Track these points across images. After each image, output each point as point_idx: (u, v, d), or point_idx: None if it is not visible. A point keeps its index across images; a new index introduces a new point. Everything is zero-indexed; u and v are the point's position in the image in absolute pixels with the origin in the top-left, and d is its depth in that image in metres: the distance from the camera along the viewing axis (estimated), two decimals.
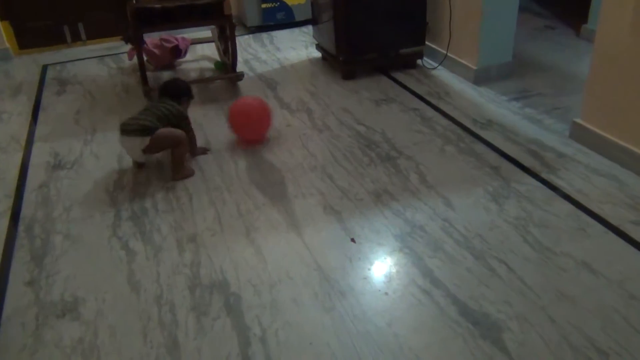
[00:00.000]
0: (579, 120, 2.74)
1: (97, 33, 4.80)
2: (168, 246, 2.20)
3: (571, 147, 2.72)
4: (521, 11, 3.68)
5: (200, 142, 2.97)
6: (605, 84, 2.57)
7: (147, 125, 2.54)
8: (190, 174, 2.69)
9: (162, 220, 2.36)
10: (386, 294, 1.91)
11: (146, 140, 2.54)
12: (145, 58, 3.80)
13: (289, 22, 4.87)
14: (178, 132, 2.66)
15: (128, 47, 4.07)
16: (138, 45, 3.49)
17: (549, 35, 4.37)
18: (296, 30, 4.84)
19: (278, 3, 4.76)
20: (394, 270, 2.02)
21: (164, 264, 2.11)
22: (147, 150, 2.59)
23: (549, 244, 2.09)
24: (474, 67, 3.49)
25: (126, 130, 2.55)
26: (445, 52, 3.71)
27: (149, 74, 3.80)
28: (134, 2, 3.40)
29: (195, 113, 3.31)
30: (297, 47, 4.44)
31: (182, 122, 2.71)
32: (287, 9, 4.81)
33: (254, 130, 2.96)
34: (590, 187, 2.41)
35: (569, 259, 2.01)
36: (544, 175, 2.52)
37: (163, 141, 2.60)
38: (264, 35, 4.78)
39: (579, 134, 2.74)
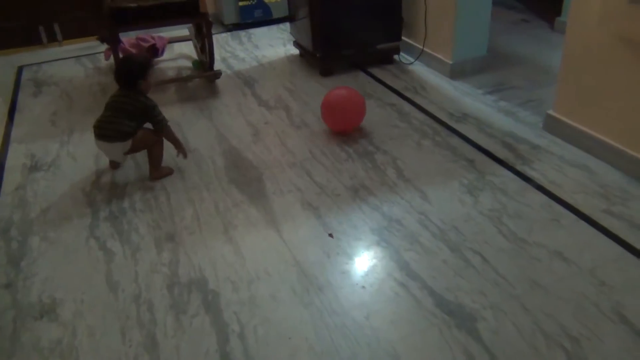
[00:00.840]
0: (552, 112, 2.79)
1: (73, 33, 4.76)
2: (146, 246, 2.20)
3: (545, 139, 2.77)
4: (496, 5, 3.72)
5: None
6: (576, 76, 2.61)
7: (126, 130, 2.49)
8: (169, 172, 2.68)
9: (140, 220, 2.36)
10: (364, 287, 1.93)
11: (128, 145, 2.52)
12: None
13: (267, 19, 4.87)
14: (152, 136, 2.60)
15: (105, 46, 4.05)
16: (114, 44, 3.46)
17: (523, 28, 4.43)
18: (274, 28, 4.84)
19: (255, 1, 4.75)
20: (371, 264, 2.05)
21: (142, 263, 2.11)
22: (128, 152, 2.58)
23: (522, 235, 2.13)
24: (450, 62, 3.52)
25: (105, 135, 2.50)
26: (421, 47, 3.74)
27: None
28: (110, 1, 3.38)
29: (174, 112, 3.32)
30: (274, 44, 4.44)
31: (149, 114, 2.53)
32: (265, 7, 4.81)
33: (348, 122, 2.94)
34: (563, 178, 2.46)
35: (542, 249, 2.05)
36: (518, 167, 2.56)
37: (142, 142, 2.58)
38: (242, 33, 4.77)
39: (552, 126, 2.79)
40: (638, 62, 2.28)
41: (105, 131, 2.50)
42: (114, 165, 2.75)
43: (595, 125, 2.57)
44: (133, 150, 2.59)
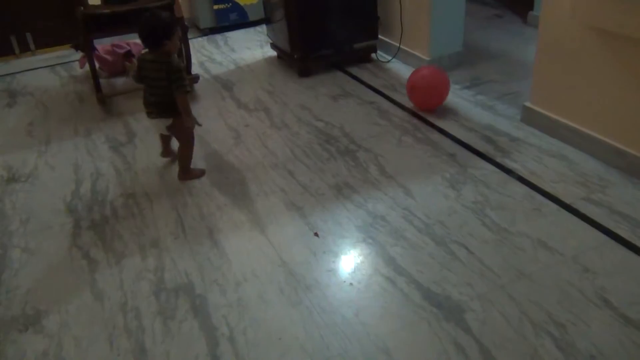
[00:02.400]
0: (528, 104, 2.83)
1: (46, 42, 4.69)
2: (130, 253, 2.17)
3: (523, 131, 2.81)
4: (470, 1, 3.77)
5: (158, 146, 2.95)
6: (550, 68, 2.65)
7: (163, 102, 2.45)
8: (200, 174, 2.65)
9: (123, 227, 2.33)
10: (351, 284, 1.94)
11: (169, 121, 2.52)
12: (97, 65, 3.75)
13: (243, 22, 4.86)
14: (191, 136, 2.61)
15: (79, 54, 4.00)
16: (89, 52, 3.43)
17: (497, 23, 4.48)
18: (251, 30, 4.83)
19: (230, 4, 4.74)
20: (358, 260, 2.05)
21: (127, 271, 2.08)
22: (169, 130, 2.57)
23: (505, 225, 2.15)
24: (427, 58, 3.55)
25: (148, 112, 2.54)
26: (398, 45, 3.77)
27: (102, 80, 3.75)
28: (82, 8, 3.35)
29: None
30: (252, 47, 4.43)
31: (172, 76, 2.39)
32: (240, 10, 4.80)
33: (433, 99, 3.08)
34: (542, 168, 2.49)
35: (526, 238, 2.08)
36: (498, 159, 2.59)
37: (179, 132, 2.57)
38: (218, 36, 4.75)
39: (529, 118, 2.83)
40: (609, 51, 2.33)
41: (147, 108, 2.53)
42: (167, 150, 2.76)
43: (571, 115, 2.61)
44: (174, 132, 2.58)
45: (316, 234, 2.20)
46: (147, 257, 2.14)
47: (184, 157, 2.63)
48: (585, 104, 2.52)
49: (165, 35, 2.37)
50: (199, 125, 2.61)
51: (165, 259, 2.13)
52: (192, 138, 2.63)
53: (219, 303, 1.89)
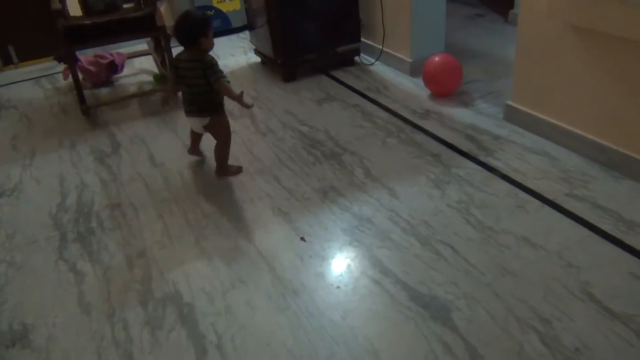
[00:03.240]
0: (510, 103, 2.86)
1: (29, 54, 4.67)
2: (117, 264, 2.17)
3: (505, 129, 2.83)
4: (451, 1, 3.80)
5: (143, 156, 2.95)
6: (530, 66, 2.68)
7: (204, 105, 2.52)
8: (237, 171, 2.69)
9: (110, 238, 2.33)
10: (338, 287, 1.95)
11: (206, 120, 2.55)
12: (81, 76, 3.74)
13: (226, 29, 4.86)
14: (228, 132, 2.64)
15: (62, 66, 3.99)
16: (72, 63, 3.42)
17: (479, 22, 4.52)
18: (234, 37, 4.83)
19: (213, 11, 4.74)
20: (344, 264, 2.06)
21: (114, 282, 2.08)
22: (206, 129, 2.60)
23: (490, 223, 2.17)
24: (409, 60, 3.58)
25: (187, 111, 2.58)
26: (380, 47, 3.79)
27: (87, 91, 3.74)
28: (64, 19, 3.34)
29: (137, 127, 3.29)
30: (235, 53, 4.44)
31: (209, 71, 2.42)
32: (223, 16, 4.80)
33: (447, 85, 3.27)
34: (525, 165, 2.51)
35: (510, 236, 2.10)
36: (481, 158, 2.61)
37: (217, 129, 2.61)
38: None
39: (511, 116, 2.86)
40: (587, 48, 2.36)
41: (187, 106, 2.57)
42: (195, 148, 2.80)
43: (552, 112, 2.64)
44: (211, 131, 2.61)
45: (303, 239, 2.21)
46: (134, 268, 2.14)
47: (221, 155, 2.66)
48: (566, 101, 2.55)
49: (201, 32, 2.40)
50: (251, 105, 2.56)
51: (152, 268, 2.12)
52: (229, 136, 2.66)
53: (206, 311, 1.90)
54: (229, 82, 2.49)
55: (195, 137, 2.80)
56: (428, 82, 3.31)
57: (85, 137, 3.24)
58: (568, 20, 2.36)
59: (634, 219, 2.10)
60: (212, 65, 2.43)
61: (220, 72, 2.45)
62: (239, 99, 2.44)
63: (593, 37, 2.30)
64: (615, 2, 2.10)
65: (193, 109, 2.55)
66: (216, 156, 2.67)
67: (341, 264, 2.06)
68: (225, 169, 2.68)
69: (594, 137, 2.46)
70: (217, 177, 2.68)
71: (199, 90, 2.48)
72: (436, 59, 3.26)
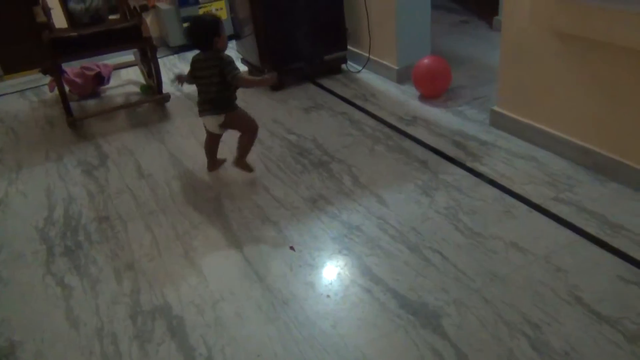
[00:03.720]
0: (496, 108, 2.88)
1: (14, 67, 4.65)
2: (105, 277, 2.15)
3: (492, 134, 2.85)
4: (436, 8, 3.83)
5: (131, 167, 2.94)
6: (514, 72, 2.71)
7: (218, 101, 2.54)
8: (250, 170, 2.71)
9: (97, 251, 2.31)
10: (328, 296, 1.94)
11: (221, 118, 2.57)
12: (67, 88, 3.72)
13: None
14: (252, 121, 2.66)
15: (48, 78, 3.97)
16: (57, 75, 3.40)
17: (464, 29, 4.56)
18: None
19: None
20: (334, 272, 2.06)
21: (103, 295, 2.06)
22: (223, 126, 2.61)
23: (478, 229, 2.18)
24: (396, 67, 3.60)
25: (202, 111, 2.60)
26: (367, 55, 3.81)
27: (73, 103, 3.74)
28: (49, 32, 3.33)
29: (125, 139, 3.28)
30: None
31: (224, 70, 2.45)
32: None
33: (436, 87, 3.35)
34: (512, 170, 2.53)
35: (498, 241, 2.11)
36: (469, 163, 2.63)
37: (238, 121, 2.63)
38: (189, 54, 4.72)
39: (497, 121, 2.88)
40: (569, 53, 2.38)
41: (200, 106, 2.59)
42: (213, 161, 2.80)
43: (537, 117, 2.66)
44: (230, 126, 2.63)
45: (292, 248, 2.20)
46: (123, 281, 2.12)
47: (246, 144, 2.68)
48: (550, 106, 2.58)
49: (214, 33, 2.46)
50: (274, 77, 2.60)
51: (141, 281, 2.11)
52: (255, 123, 2.68)
53: (196, 323, 1.88)
54: (240, 74, 2.50)
55: (212, 149, 2.79)
56: (418, 84, 3.36)
57: (72, 150, 3.23)
58: (550, 26, 2.39)
59: (619, 221, 2.12)
60: (229, 62, 2.48)
61: (237, 68, 2.49)
62: (261, 82, 2.58)
63: (576, 42, 2.33)
64: (596, 7, 2.13)
65: (208, 107, 2.58)
66: (241, 145, 2.69)
67: (331, 273, 2.06)
68: (244, 160, 2.71)
69: (578, 141, 2.48)
70: (234, 165, 2.72)
71: (215, 89, 2.51)
72: (426, 60, 3.32)
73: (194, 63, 2.55)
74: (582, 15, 2.20)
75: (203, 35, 2.47)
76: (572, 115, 2.48)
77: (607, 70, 2.26)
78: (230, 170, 2.81)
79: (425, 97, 3.36)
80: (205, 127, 2.69)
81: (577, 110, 2.45)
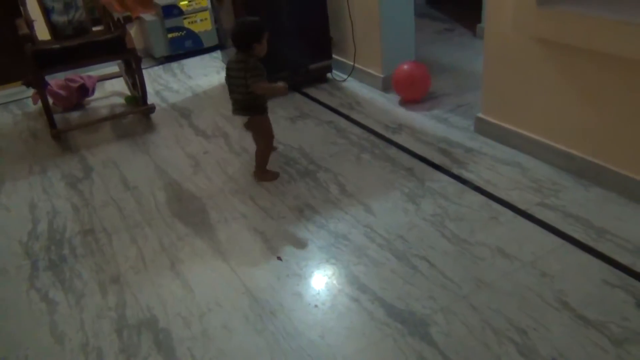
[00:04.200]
0: (480, 115, 2.90)
1: None
2: (90, 291, 2.13)
3: (477, 141, 2.87)
4: (420, 17, 3.86)
5: (116, 179, 2.92)
6: (498, 79, 2.73)
7: (246, 104, 2.59)
8: (274, 177, 2.76)
9: (82, 265, 2.29)
10: (316, 306, 1.94)
11: (245, 119, 2.66)
12: (51, 100, 3.69)
13: (198, 49, 4.86)
14: (268, 133, 2.72)
15: (31, 91, 3.93)
16: (41, 88, 3.37)
17: (448, 37, 4.59)
18: (206, 57, 4.83)
19: (184, 32, 4.73)
20: (321, 282, 2.06)
21: (88, 310, 2.04)
22: (246, 127, 2.70)
23: (464, 236, 2.19)
24: (381, 75, 3.61)
25: (233, 110, 2.66)
26: (352, 63, 3.82)
27: (57, 115, 3.71)
28: (31, 44, 3.30)
29: (110, 150, 3.26)
30: (208, 73, 4.43)
31: (248, 73, 2.49)
32: (194, 37, 4.80)
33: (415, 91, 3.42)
34: (497, 177, 2.55)
35: (485, 247, 2.12)
36: (454, 170, 2.64)
37: (256, 129, 2.70)
38: (174, 64, 4.73)
39: (482, 128, 2.90)
40: (551, 60, 2.41)
41: (232, 105, 2.65)
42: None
43: (521, 124, 2.68)
44: (252, 129, 2.70)
45: (279, 258, 2.19)
46: (108, 295, 2.10)
47: (260, 156, 2.76)
48: (534, 112, 2.60)
49: (256, 38, 2.50)
50: (286, 88, 2.61)
51: (127, 294, 2.09)
52: (270, 138, 2.74)
53: (183, 336, 1.87)
54: (260, 82, 2.52)
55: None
56: (398, 89, 3.45)
57: (56, 162, 3.19)
58: (532, 33, 2.42)
59: (604, 226, 2.14)
60: (253, 68, 2.51)
61: (259, 76, 2.51)
62: (272, 89, 2.62)
63: (557, 49, 2.36)
64: (577, 14, 2.16)
65: (237, 107, 2.64)
66: (256, 157, 2.77)
67: (318, 283, 2.05)
68: (263, 172, 2.77)
69: (562, 147, 2.50)
70: (255, 179, 2.78)
71: (240, 90, 2.57)
72: (405, 66, 3.39)
73: (229, 64, 2.61)
74: (563, 23, 2.23)
75: (244, 38, 2.51)
76: (556, 121, 2.50)
77: (589, 76, 2.28)
78: (216, 180, 2.80)
79: (406, 102, 3.41)
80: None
81: (560, 116, 2.48)
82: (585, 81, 2.30)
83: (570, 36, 2.22)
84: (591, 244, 2.06)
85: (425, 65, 3.42)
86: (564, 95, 2.41)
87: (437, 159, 2.75)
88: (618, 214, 2.21)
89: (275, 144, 3.03)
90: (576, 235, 2.12)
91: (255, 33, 2.51)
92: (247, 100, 2.57)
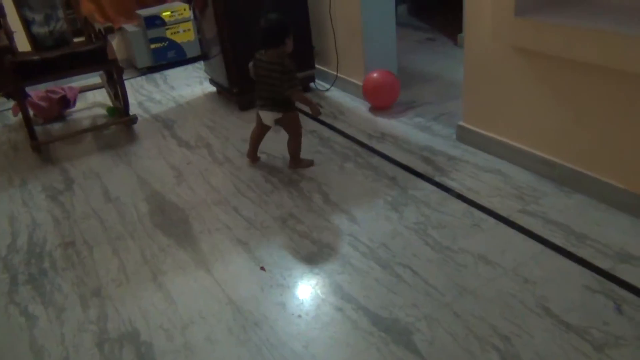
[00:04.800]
0: (462, 123, 2.92)
1: None
2: (71, 305, 2.10)
3: (459, 149, 2.89)
4: (402, 26, 3.90)
5: (98, 191, 2.89)
6: (478, 87, 2.76)
7: (279, 101, 2.69)
8: (309, 164, 2.89)
9: (63, 278, 2.25)
10: (300, 316, 1.93)
11: (278, 115, 2.74)
12: (32, 112, 3.66)
13: (181, 60, 4.86)
14: (300, 127, 2.84)
15: (12, 102, 3.89)
16: (21, 99, 3.34)
17: (430, 46, 4.64)
18: (189, 67, 4.83)
19: (167, 42, 4.73)
20: (305, 292, 2.05)
21: (68, 324, 2.01)
22: (278, 122, 2.77)
23: (447, 243, 2.20)
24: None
25: (261, 105, 2.75)
26: (335, 73, 3.84)
27: (38, 127, 3.68)
28: (11, 56, 3.27)
29: (91, 162, 3.23)
30: (191, 83, 4.43)
31: (285, 77, 2.59)
32: (177, 47, 4.79)
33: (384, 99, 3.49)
34: (479, 184, 2.57)
35: (467, 255, 2.13)
36: (437, 178, 2.65)
37: (290, 123, 2.81)
38: (157, 75, 4.72)
39: (464, 136, 2.92)
40: (530, 68, 2.44)
41: (260, 100, 2.75)
42: (254, 152, 2.98)
43: (502, 132, 2.71)
44: (284, 125, 2.81)
45: (262, 268, 2.18)
46: (89, 308, 2.07)
47: (294, 148, 2.87)
48: (514, 120, 2.63)
49: (287, 33, 2.59)
50: (320, 111, 2.77)
51: (108, 307, 2.06)
52: (301, 129, 2.86)
53: (165, 349, 1.84)
54: (301, 89, 2.70)
55: (258, 139, 2.96)
56: (367, 97, 3.54)
57: (37, 175, 3.16)
58: (510, 42, 2.45)
59: (584, 232, 2.16)
60: (290, 71, 2.60)
61: (295, 79, 2.63)
62: (311, 104, 2.71)
63: (536, 57, 2.39)
64: (554, 24, 2.19)
65: (268, 103, 2.72)
66: (290, 149, 2.89)
67: (302, 292, 2.05)
68: (298, 161, 2.89)
69: (543, 154, 2.53)
70: (291, 169, 2.89)
71: (274, 90, 2.65)
72: (374, 74, 3.45)
73: (257, 61, 2.69)
74: (540, 32, 2.26)
75: (278, 34, 2.58)
76: (536, 128, 2.53)
77: (567, 84, 2.32)
78: (199, 191, 2.79)
79: (377, 109, 3.50)
80: (258, 118, 2.84)
81: (540, 124, 2.51)
82: (564, 89, 2.34)
83: (548, 45, 2.25)
84: (572, 249, 2.08)
85: (392, 73, 3.47)
86: (543, 103, 2.45)
87: (420, 167, 2.77)
88: (598, 220, 2.23)
89: (259, 153, 3.03)
90: (557, 241, 2.14)
91: (287, 27, 2.60)
92: (282, 98, 2.67)
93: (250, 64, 2.75)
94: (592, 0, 2.37)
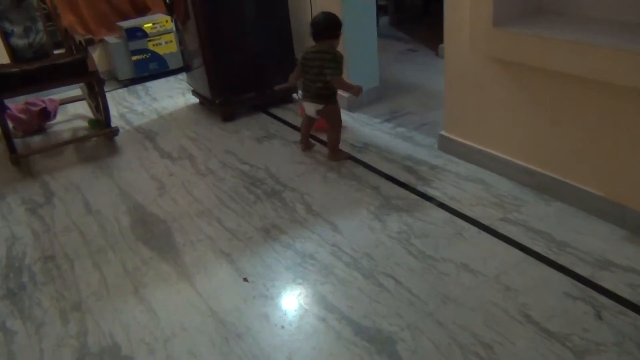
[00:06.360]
0: (444, 133, 2.95)
1: None
2: (50, 319, 2.07)
3: (441, 159, 2.91)
4: (384, 38, 3.93)
5: (78, 204, 2.86)
6: (458, 97, 2.79)
7: (322, 93, 2.90)
8: (347, 157, 3.02)
9: (42, 292, 2.22)
10: (283, 327, 1.92)
11: (320, 106, 2.93)
12: (11, 125, 3.62)
13: (163, 71, 4.84)
14: (340, 119, 3.02)
15: None
16: (0, 112, 3.30)
17: (411, 57, 4.68)
18: (171, 79, 4.81)
19: (149, 54, 4.71)
20: (288, 302, 2.04)
21: (48, 339, 1.97)
22: (319, 113, 2.95)
23: (430, 252, 2.21)
24: (346, 95, 3.64)
25: (305, 96, 2.98)
26: None
27: (18, 140, 3.63)
28: None
29: (72, 175, 3.20)
30: (174, 95, 4.41)
31: (329, 63, 2.81)
32: (159, 59, 4.78)
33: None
34: (461, 193, 2.59)
35: (449, 263, 2.14)
36: (419, 188, 2.67)
37: (330, 115, 2.98)
38: (139, 87, 4.70)
39: (445, 146, 2.95)
40: (508, 78, 2.48)
41: (305, 92, 2.97)
42: (306, 140, 3.18)
43: (482, 141, 2.74)
44: (324, 116, 2.98)
45: (245, 280, 2.17)
46: (69, 322, 2.04)
47: (333, 139, 3.01)
48: (494, 129, 2.66)
49: (339, 29, 2.86)
50: (361, 90, 2.95)
51: (88, 322, 2.03)
52: (341, 122, 3.03)
53: None
54: (339, 74, 2.85)
55: (306, 129, 3.15)
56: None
57: (16, 188, 3.12)
58: (489, 53, 2.48)
59: (564, 239, 2.19)
60: (336, 59, 2.83)
61: (340, 68, 2.84)
62: (351, 87, 2.89)
63: (514, 68, 2.43)
64: (531, 35, 2.23)
65: (311, 94, 2.92)
66: (328, 141, 3.04)
67: (285, 303, 2.04)
68: (337, 153, 3.02)
69: (522, 163, 2.56)
70: (329, 160, 3.02)
71: (318, 79, 2.85)
72: None
73: (306, 54, 2.88)
74: (517, 43, 2.30)
75: (332, 28, 2.83)
76: (515, 137, 2.56)
77: (545, 94, 2.35)
78: (181, 203, 2.77)
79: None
80: (302, 109, 3.07)
81: (519, 133, 2.54)
82: (541, 98, 2.37)
83: (525, 55, 2.29)
84: (552, 257, 2.10)
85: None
86: (521, 112, 2.48)
87: (403, 176, 2.78)
88: (577, 227, 2.26)
89: (240, 164, 3.03)
90: (538, 249, 2.16)
91: (340, 24, 2.86)
92: (327, 88, 2.86)
93: (300, 55, 2.96)
94: (568, 12, 2.41)
